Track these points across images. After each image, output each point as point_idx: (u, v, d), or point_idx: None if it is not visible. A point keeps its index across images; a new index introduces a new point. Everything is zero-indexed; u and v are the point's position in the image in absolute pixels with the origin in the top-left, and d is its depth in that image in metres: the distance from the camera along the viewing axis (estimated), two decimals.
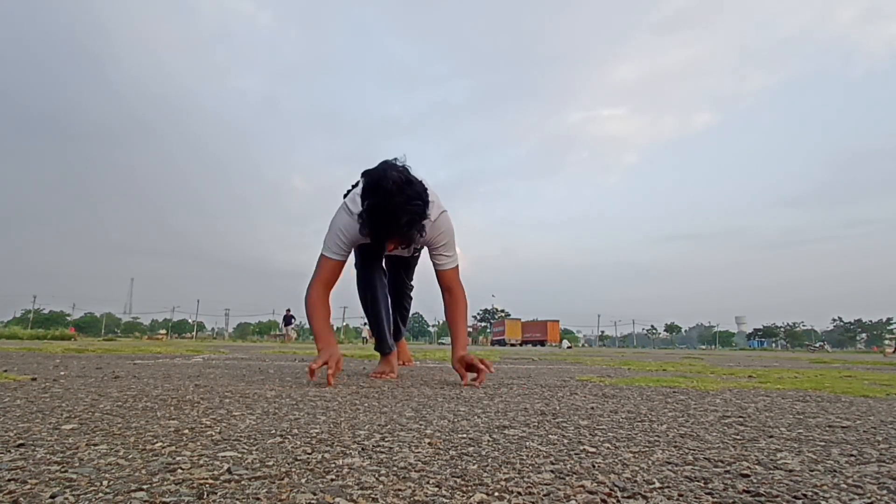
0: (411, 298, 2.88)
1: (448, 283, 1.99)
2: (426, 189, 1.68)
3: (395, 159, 1.69)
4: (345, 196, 1.98)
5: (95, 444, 0.71)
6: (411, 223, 1.64)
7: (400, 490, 0.55)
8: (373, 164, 1.83)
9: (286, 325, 20.36)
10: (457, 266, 2.02)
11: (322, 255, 1.88)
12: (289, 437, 0.80)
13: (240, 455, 0.68)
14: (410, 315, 2.95)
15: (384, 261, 2.60)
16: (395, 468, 0.63)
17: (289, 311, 20.51)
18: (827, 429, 1.01)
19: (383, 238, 1.72)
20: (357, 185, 1.94)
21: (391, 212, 1.60)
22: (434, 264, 2.01)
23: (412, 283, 2.77)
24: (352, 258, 2.15)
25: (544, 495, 0.54)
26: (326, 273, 1.88)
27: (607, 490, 0.57)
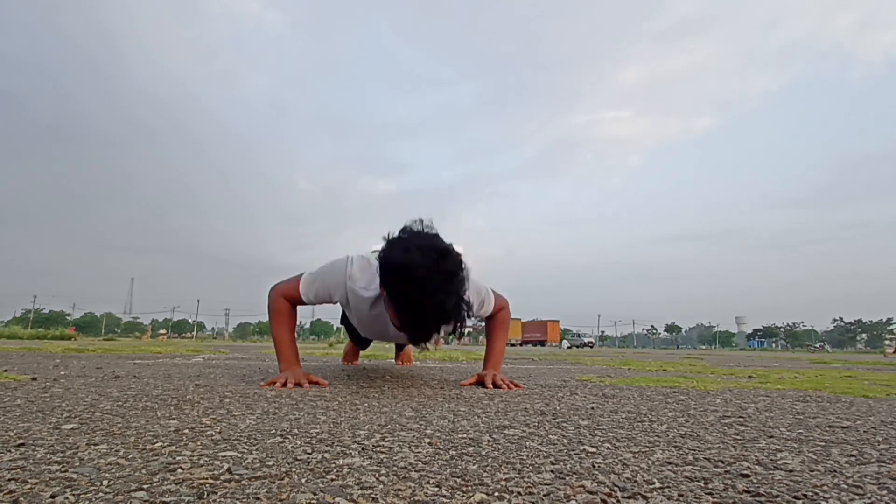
0: None
1: (493, 315, 1.85)
2: (461, 255, 1.34)
3: (421, 222, 1.39)
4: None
5: (96, 444, 0.71)
6: (458, 308, 1.32)
7: (400, 490, 0.55)
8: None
9: None
10: (493, 300, 1.81)
11: (300, 285, 1.66)
12: (289, 436, 0.80)
13: (240, 455, 0.68)
14: None
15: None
16: (395, 468, 0.63)
17: None
18: (827, 429, 1.01)
19: (426, 336, 1.38)
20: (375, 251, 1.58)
21: (432, 302, 1.27)
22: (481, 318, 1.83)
23: None
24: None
25: (544, 495, 0.54)
26: (294, 298, 1.68)
27: (607, 490, 0.57)
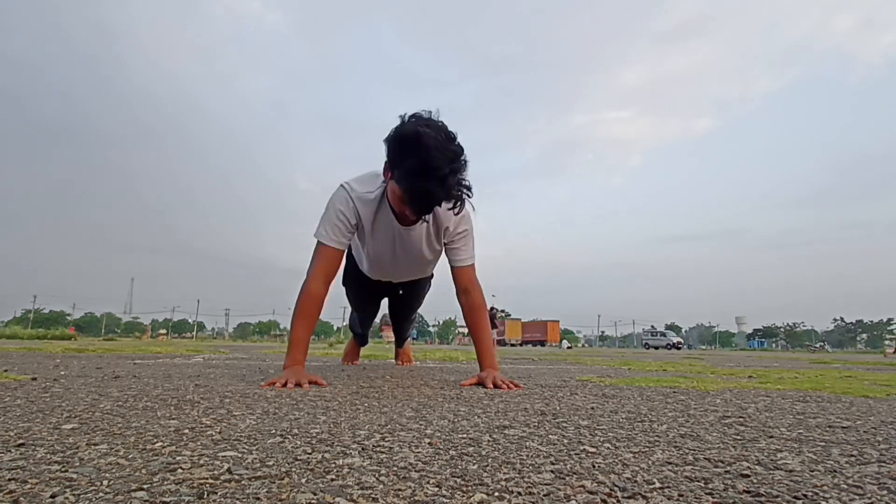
0: (415, 317, 2.86)
1: (465, 284, 1.84)
2: (463, 146, 1.49)
3: (428, 112, 1.50)
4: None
5: (96, 444, 0.71)
6: (458, 185, 1.47)
7: (400, 490, 0.55)
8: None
9: (492, 327, 15.74)
10: (474, 264, 1.87)
11: (319, 242, 1.70)
12: (289, 436, 0.80)
13: (240, 455, 0.68)
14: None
15: (387, 294, 2.52)
16: (395, 468, 0.63)
17: (493, 309, 15.18)
18: (827, 429, 1.01)
19: (427, 208, 1.54)
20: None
21: (436, 171, 1.41)
22: (451, 260, 1.85)
23: (419, 308, 2.68)
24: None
25: (544, 495, 0.54)
26: (326, 264, 1.70)
27: (607, 490, 0.57)
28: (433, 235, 1.84)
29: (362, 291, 2.39)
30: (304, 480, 0.57)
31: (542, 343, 42.92)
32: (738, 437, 0.89)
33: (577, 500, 0.53)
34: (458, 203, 1.52)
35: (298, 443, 0.76)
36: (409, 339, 3.01)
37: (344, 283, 2.44)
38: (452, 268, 1.87)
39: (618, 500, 0.53)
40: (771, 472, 0.66)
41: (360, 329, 2.84)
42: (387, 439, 0.80)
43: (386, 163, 1.55)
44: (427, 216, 1.64)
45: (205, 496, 0.51)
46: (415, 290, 2.43)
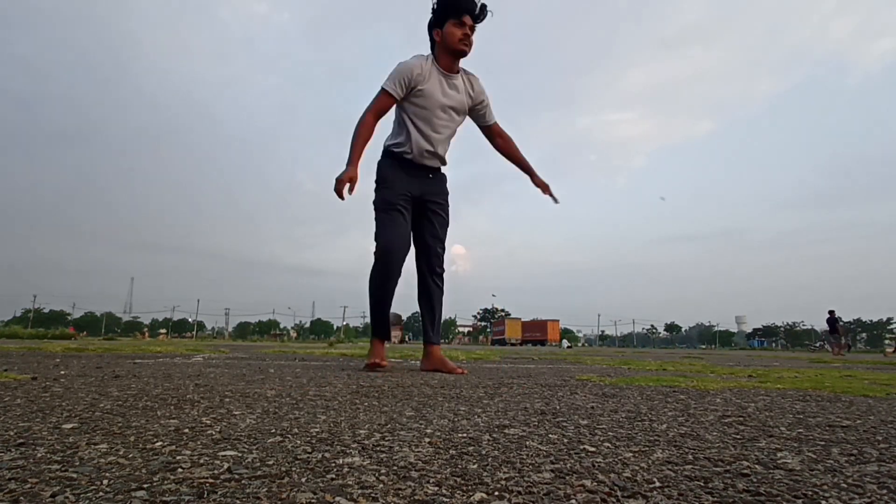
0: (442, 292, 2.53)
1: (498, 130, 2.61)
2: None
3: None
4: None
5: (96, 443, 0.71)
6: None
7: (400, 489, 0.55)
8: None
9: (832, 332, 15.10)
10: (497, 122, 2.61)
11: (382, 88, 2.30)
12: (289, 436, 0.80)
13: (240, 454, 0.68)
14: (414, 313, 2.73)
15: (415, 247, 2.48)
16: (395, 467, 0.63)
17: (832, 313, 15.08)
18: (827, 428, 1.01)
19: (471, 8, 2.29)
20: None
21: None
22: (483, 123, 2.56)
23: (442, 265, 2.51)
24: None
25: (544, 494, 0.54)
26: (380, 105, 2.33)
27: (607, 489, 0.57)
28: (469, 86, 2.47)
29: (393, 219, 2.33)
30: (304, 480, 0.57)
31: (543, 342, 42.88)
32: (738, 437, 0.89)
33: (577, 500, 0.53)
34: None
35: (298, 442, 0.76)
36: (434, 340, 2.56)
37: (376, 217, 2.37)
38: (486, 126, 2.59)
39: (618, 500, 0.53)
40: (771, 471, 0.66)
41: (381, 311, 2.46)
42: (387, 439, 0.80)
43: (432, 31, 2.37)
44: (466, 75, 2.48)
45: (205, 496, 0.51)
46: (439, 216, 2.49)
